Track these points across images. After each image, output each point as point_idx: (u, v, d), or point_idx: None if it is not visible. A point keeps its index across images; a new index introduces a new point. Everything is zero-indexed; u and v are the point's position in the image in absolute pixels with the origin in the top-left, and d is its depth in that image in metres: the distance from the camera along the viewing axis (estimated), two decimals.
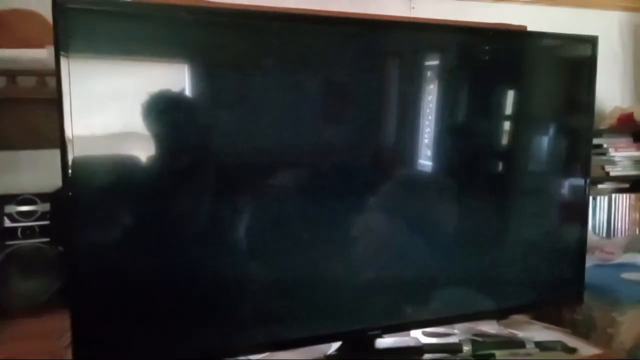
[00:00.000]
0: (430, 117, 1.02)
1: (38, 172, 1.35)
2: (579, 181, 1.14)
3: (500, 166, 1.11)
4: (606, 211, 1.73)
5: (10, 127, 1.33)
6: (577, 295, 1.15)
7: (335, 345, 1.01)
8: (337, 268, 0.97)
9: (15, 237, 1.25)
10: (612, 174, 1.68)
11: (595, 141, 1.70)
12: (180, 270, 0.86)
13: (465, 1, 1.90)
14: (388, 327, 1.01)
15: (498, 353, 1.03)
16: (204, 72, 0.85)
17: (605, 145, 1.68)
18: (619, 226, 1.75)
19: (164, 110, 0.82)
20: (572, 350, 1.06)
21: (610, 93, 2.11)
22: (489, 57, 1.07)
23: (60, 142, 0.74)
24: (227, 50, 0.88)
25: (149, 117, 0.80)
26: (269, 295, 0.92)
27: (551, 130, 1.13)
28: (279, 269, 0.93)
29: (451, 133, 1.04)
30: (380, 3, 1.80)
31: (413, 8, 1.87)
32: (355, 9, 1.72)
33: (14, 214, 1.25)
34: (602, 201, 1.72)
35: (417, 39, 1.01)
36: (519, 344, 1.06)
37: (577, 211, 1.15)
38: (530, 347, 1.05)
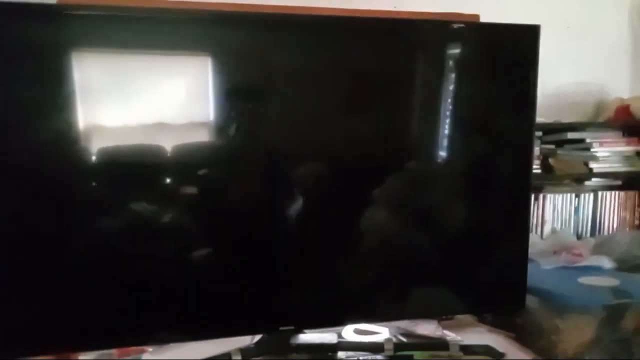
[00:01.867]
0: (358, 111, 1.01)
1: None
2: (520, 180, 1.09)
3: (437, 165, 1.08)
4: (591, 209, 1.63)
5: None
6: (518, 300, 1.11)
7: (255, 339, 1.04)
8: (262, 260, 0.98)
9: None
10: (596, 170, 1.59)
11: (577, 135, 1.61)
12: (98, 259, 0.91)
13: None
14: (305, 323, 1.02)
15: (418, 354, 1.02)
16: None
17: (588, 140, 1.58)
18: (607, 225, 1.65)
19: None
20: (500, 355, 1.03)
21: (617, 84, 1.98)
22: (423, 48, 1.04)
23: None
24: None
25: None
26: (188, 284, 0.96)
27: (490, 126, 1.08)
28: (199, 258, 0.96)
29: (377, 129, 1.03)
30: None
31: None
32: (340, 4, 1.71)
33: None
34: (587, 199, 1.63)
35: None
36: (443, 345, 1.04)
37: (519, 212, 1.10)
38: (454, 350, 1.03)
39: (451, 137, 1.05)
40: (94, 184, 0.90)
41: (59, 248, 0.88)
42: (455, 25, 1.05)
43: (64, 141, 0.86)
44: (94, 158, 0.87)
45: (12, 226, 0.85)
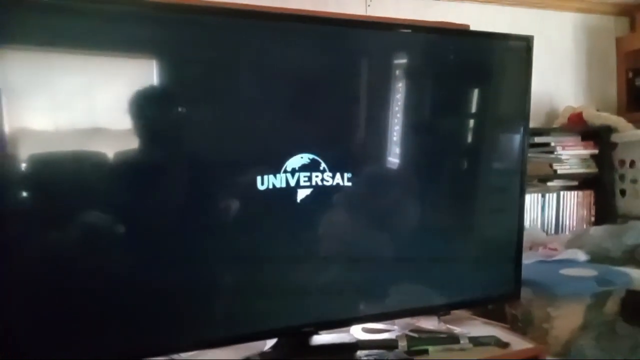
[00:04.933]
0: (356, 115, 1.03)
1: None
2: (515, 179, 1.16)
3: (437, 164, 1.12)
4: (555, 208, 1.76)
5: None
6: (514, 291, 1.18)
7: (271, 342, 1.02)
8: (274, 265, 0.97)
9: None
10: (559, 171, 1.72)
11: (544, 139, 1.74)
12: (111, 269, 0.85)
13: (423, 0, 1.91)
14: (322, 323, 1.02)
15: (432, 348, 1.05)
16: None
17: (552, 144, 1.71)
18: (567, 223, 1.79)
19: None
20: (505, 345, 1.08)
21: (564, 93, 2.16)
22: (422, 56, 1.08)
23: None
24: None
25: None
26: (205, 292, 0.92)
27: (487, 129, 1.15)
28: (215, 267, 0.93)
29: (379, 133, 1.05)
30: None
31: (369, 6, 1.88)
32: (315, 7, 1.72)
33: None
34: (551, 198, 1.76)
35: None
36: (454, 339, 1.08)
37: (513, 209, 1.17)
38: (464, 342, 1.07)
39: (448, 141, 1.11)
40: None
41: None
42: (454, 34, 1.11)
43: None
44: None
45: None
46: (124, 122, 0.84)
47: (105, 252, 0.85)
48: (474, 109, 1.13)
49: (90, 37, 0.80)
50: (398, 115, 1.04)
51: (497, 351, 1.07)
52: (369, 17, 1.84)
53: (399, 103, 1.04)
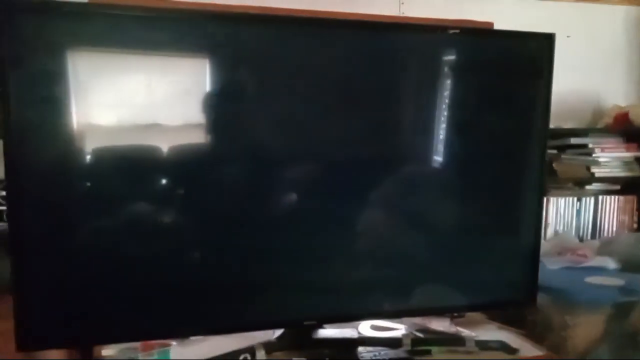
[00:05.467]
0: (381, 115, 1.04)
1: None
2: (535, 181, 1.13)
3: (455, 166, 1.11)
4: (592, 213, 1.68)
5: None
6: (529, 297, 1.15)
7: (277, 333, 1.06)
8: (287, 258, 1.00)
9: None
10: (597, 174, 1.64)
11: (580, 141, 1.66)
12: (121, 254, 0.92)
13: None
14: (328, 318, 1.04)
15: (435, 349, 1.05)
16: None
17: (590, 145, 1.63)
18: (606, 228, 1.70)
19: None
20: (513, 351, 1.06)
21: (613, 91, 2.05)
22: (439, 55, 1.07)
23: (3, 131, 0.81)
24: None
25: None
26: (213, 280, 0.98)
27: (504, 130, 1.12)
28: (223, 255, 0.97)
29: (399, 133, 1.06)
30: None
31: (402, 4, 1.87)
32: (344, 8, 1.74)
33: None
34: (588, 202, 1.68)
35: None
36: (459, 341, 1.07)
37: (532, 213, 1.14)
38: (470, 345, 1.06)
39: (469, 142, 1.09)
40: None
41: (81, 244, 0.89)
42: (474, 32, 1.09)
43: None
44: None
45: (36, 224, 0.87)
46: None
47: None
48: (489, 111, 1.11)
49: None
50: (421, 115, 1.05)
51: (503, 356, 1.05)
52: (403, 17, 1.84)
53: (427, 104, 1.05)
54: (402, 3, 1.89)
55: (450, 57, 1.07)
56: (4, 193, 1.34)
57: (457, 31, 1.07)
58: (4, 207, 1.34)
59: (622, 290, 1.18)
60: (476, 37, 1.12)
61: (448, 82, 1.08)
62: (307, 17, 1.02)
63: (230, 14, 0.96)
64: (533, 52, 1.11)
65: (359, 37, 1.00)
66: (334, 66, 1.01)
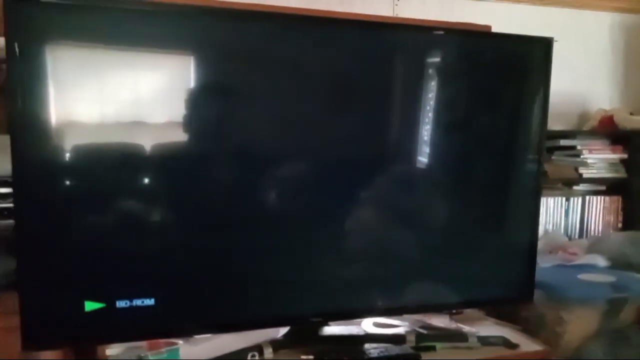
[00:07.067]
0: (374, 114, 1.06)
1: None
2: (531, 182, 1.16)
3: (453, 165, 1.13)
4: (579, 212, 1.74)
5: None
6: (526, 293, 1.18)
7: (283, 330, 1.06)
8: (292, 257, 1.01)
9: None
10: (585, 175, 1.69)
11: (569, 142, 1.71)
12: (129, 251, 0.91)
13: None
14: (333, 315, 1.05)
15: (439, 345, 1.07)
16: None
17: (578, 147, 1.68)
18: (593, 228, 1.76)
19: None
20: (514, 346, 1.09)
21: (598, 95, 2.11)
22: (439, 57, 1.09)
23: (10, 129, 0.79)
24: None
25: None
26: (223, 279, 0.97)
27: (502, 131, 1.15)
28: (235, 256, 0.97)
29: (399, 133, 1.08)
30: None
31: (397, 5, 1.89)
32: (342, 7, 1.75)
33: None
34: (576, 202, 1.73)
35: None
36: (462, 337, 1.09)
37: (528, 212, 1.17)
38: (472, 341, 1.09)
39: (465, 142, 1.12)
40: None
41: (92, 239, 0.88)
42: (476, 35, 1.12)
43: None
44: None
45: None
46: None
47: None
48: (489, 111, 1.13)
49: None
50: (420, 114, 1.07)
51: (505, 351, 1.08)
52: (397, 18, 1.86)
53: (422, 103, 1.07)
54: (396, 5, 1.91)
55: (452, 59, 1.09)
56: (2, 190, 1.31)
57: (462, 32, 1.09)
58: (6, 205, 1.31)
59: (614, 286, 1.22)
60: (478, 38, 1.15)
61: (450, 84, 1.10)
62: (303, 15, 1.01)
63: (225, 10, 0.96)
64: (532, 55, 1.14)
65: (359, 36, 1.01)
66: (338, 65, 1.02)
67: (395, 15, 1.93)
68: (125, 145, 0.90)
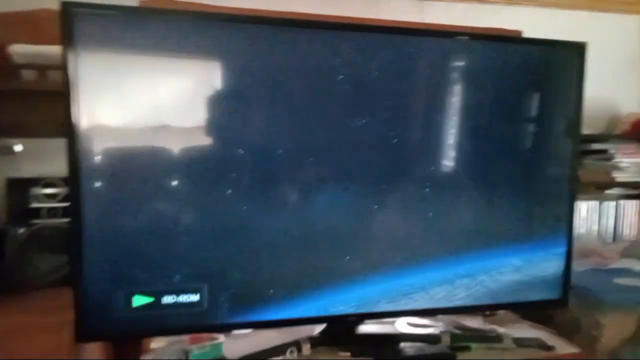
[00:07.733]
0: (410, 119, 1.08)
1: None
2: (566, 185, 1.16)
3: (489, 168, 1.14)
4: (613, 217, 1.72)
5: (39, 117, 1.45)
6: (562, 297, 1.18)
7: (319, 328, 1.08)
8: (328, 257, 1.03)
9: (42, 217, 1.39)
10: (618, 179, 1.67)
11: (601, 146, 1.69)
12: (177, 249, 0.95)
13: (475, 4, 1.92)
14: (369, 314, 1.07)
15: (474, 346, 1.08)
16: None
17: (611, 151, 1.67)
18: (626, 232, 1.74)
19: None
20: (550, 348, 1.09)
21: (628, 99, 2.09)
22: (471, 62, 1.10)
23: (66, 132, 0.84)
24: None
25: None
26: (262, 278, 1.00)
27: (537, 136, 1.15)
28: (274, 254, 1.00)
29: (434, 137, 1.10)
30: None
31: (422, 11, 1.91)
32: (368, 14, 1.79)
33: (40, 196, 1.38)
34: (609, 207, 1.72)
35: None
36: (497, 338, 1.10)
37: (563, 215, 1.17)
38: (507, 342, 1.09)
39: (501, 147, 1.13)
40: None
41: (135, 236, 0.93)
42: (504, 41, 1.13)
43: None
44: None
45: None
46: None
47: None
48: (523, 116, 1.14)
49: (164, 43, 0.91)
50: (450, 119, 1.09)
51: (540, 353, 1.08)
52: (423, 23, 1.88)
53: (451, 108, 1.08)
54: (422, 10, 1.93)
55: (488, 66, 1.11)
56: (45, 191, 1.38)
57: (496, 37, 1.11)
58: (47, 205, 1.38)
59: None
60: (512, 44, 1.15)
61: (485, 90, 1.11)
62: (333, 22, 1.04)
63: (260, 17, 0.99)
64: (565, 60, 1.15)
65: (390, 42, 1.03)
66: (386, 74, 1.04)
67: (422, 21, 1.95)
68: (174, 147, 0.94)
